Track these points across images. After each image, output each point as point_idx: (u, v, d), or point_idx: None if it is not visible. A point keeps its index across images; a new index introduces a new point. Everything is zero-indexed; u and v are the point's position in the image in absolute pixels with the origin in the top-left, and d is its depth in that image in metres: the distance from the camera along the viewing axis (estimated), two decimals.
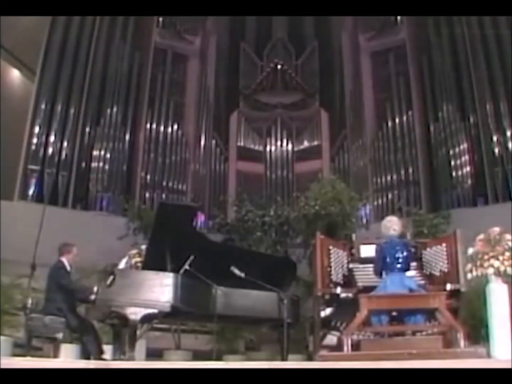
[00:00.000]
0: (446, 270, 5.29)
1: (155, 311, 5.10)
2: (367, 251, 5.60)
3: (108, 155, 13.89)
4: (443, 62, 14.46)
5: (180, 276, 5.26)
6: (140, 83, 15.28)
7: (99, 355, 5.27)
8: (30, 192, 12.72)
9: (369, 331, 5.16)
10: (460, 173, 13.40)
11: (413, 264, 5.45)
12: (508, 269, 6.36)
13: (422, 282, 5.35)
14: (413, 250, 5.49)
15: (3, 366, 3.23)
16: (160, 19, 15.92)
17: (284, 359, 5.58)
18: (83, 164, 13.65)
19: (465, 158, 13.46)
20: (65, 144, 13.31)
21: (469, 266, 6.39)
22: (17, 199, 12.61)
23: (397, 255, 5.22)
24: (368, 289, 5.19)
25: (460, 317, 5.13)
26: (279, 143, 16.90)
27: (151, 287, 5.12)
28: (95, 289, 5.23)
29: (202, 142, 15.94)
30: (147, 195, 14.37)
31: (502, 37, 13.44)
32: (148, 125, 15.05)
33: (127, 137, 14.55)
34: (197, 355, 7.41)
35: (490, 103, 13.29)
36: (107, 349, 5.63)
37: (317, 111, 17.28)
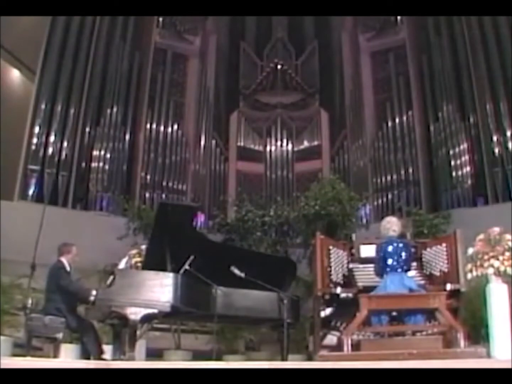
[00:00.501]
0: (446, 270, 5.29)
1: (155, 311, 5.10)
2: (367, 251, 5.60)
3: (108, 155, 13.87)
4: (443, 62, 14.44)
5: (180, 276, 5.26)
6: (140, 83, 15.27)
7: (99, 355, 5.27)
8: (30, 192, 12.71)
9: (369, 331, 5.17)
10: (460, 173, 13.39)
11: (413, 264, 5.46)
12: (508, 269, 6.35)
13: (422, 282, 5.35)
14: (413, 250, 5.49)
15: (3, 366, 3.23)
16: (160, 19, 15.91)
17: (284, 359, 5.58)
18: (83, 164, 13.64)
19: (465, 158, 13.45)
20: (65, 144, 13.29)
21: (469, 266, 6.39)
22: (17, 199, 12.59)
23: (397, 255, 5.22)
24: (368, 289, 5.19)
25: (460, 317, 5.13)
26: (279, 143, 16.90)
27: (151, 287, 5.12)
28: (94, 290, 5.23)
29: (202, 142, 15.94)
30: (147, 195, 14.36)
31: (502, 37, 13.44)
32: (148, 125, 15.04)
33: (127, 137, 14.54)
34: (197, 355, 7.41)
35: (490, 103, 13.27)
36: (107, 349, 5.63)
37: (317, 111, 17.29)
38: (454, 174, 13.45)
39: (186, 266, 5.40)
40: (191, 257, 5.45)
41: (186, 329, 8.50)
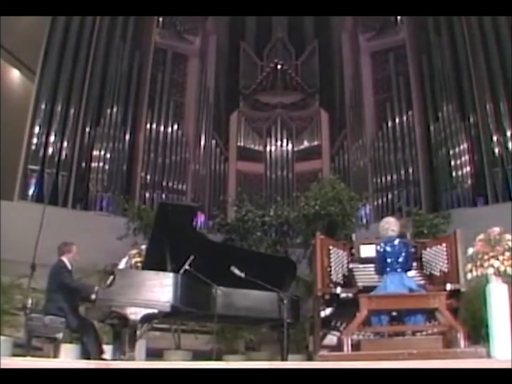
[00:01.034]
0: (446, 270, 5.29)
1: (155, 311, 5.10)
2: (367, 251, 5.60)
3: (108, 155, 13.88)
4: (443, 62, 14.45)
5: (180, 276, 5.25)
6: (140, 83, 15.27)
7: (99, 355, 5.27)
8: (30, 192, 12.72)
9: (369, 331, 5.17)
10: (460, 173, 13.40)
11: (413, 264, 5.46)
12: (508, 269, 6.34)
13: (422, 282, 5.35)
14: (413, 250, 5.49)
15: (3, 366, 3.22)
16: (160, 19, 15.92)
17: (284, 359, 5.57)
18: (83, 164, 13.64)
19: (465, 158, 13.46)
20: (65, 144, 13.30)
21: (469, 266, 6.38)
22: (17, 199, 12.60)
23: (397, 255, 5.22)
24: (368, 289, 5.19)
25: (460, 317, 5.13)
26: (279, 143, 16.90)
27: (151, 287, 5.11)
28: (97, 287, 5.24)
29: (202, 142, 15.94)
30: (147, 195, 14.37)
31: (502, 37, 13.44)
32: (148, 125, 15.05)
33: (127, 137, 14.55)
34: (197, 355, 7.41)
35: (490, 103, 13.28)
36: (107, 349, 5.63)
37: (317, 111, 17.29)
38: (454, 174, 13.46)
39: (186, 266, 5.39)
40: (191, 257, 5.44)
41: (186, 329, 8.50)
